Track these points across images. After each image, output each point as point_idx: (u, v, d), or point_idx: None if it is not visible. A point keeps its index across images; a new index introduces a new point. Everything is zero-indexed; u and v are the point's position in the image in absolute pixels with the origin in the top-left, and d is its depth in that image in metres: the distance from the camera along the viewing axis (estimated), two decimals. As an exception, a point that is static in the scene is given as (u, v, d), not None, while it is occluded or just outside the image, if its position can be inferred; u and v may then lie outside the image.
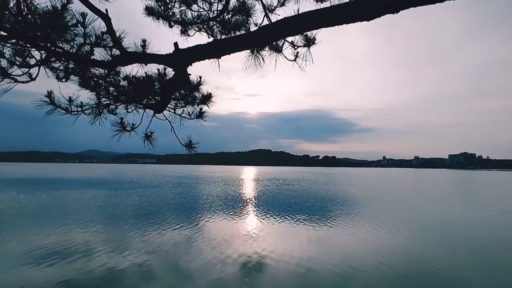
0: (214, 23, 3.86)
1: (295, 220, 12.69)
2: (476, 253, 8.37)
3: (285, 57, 3.72)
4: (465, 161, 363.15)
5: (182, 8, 3.72)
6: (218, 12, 3.75)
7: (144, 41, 3.33)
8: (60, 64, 3.06)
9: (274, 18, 3.70)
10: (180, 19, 3.77)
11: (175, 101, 3.83)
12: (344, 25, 2.54)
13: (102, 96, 3.37)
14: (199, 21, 3.80)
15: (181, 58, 2.91)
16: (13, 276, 6.27)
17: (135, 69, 3.33)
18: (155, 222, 11.69)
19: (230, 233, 10.27)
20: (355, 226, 11.67)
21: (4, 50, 2.61)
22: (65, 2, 2.42)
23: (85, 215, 12.99)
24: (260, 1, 3.74)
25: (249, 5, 3.74)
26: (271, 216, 13.60)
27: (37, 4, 2.38)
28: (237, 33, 3.84)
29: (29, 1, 2.33)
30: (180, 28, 3.86)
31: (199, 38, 3.93)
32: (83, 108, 3.26)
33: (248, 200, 19.14)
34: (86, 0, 2.55)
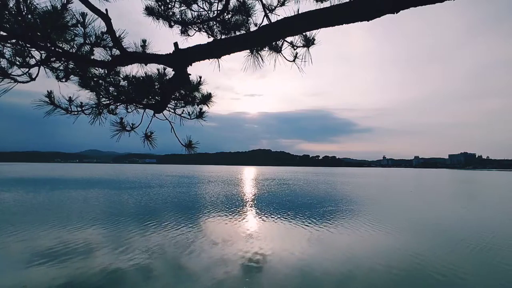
0: (214, 23, 3.86)
1: (295, 220, 12.70)
2: (476, 253, 8.37)
3: (285, 57, 3.73)
4: (465, 161, 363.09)
5: (182, 8, 3.73)
6: (218, 12, 3.75)
7: (144, 41, 3.34)
8: (60, 64, 3.06)
9: (274, 18, 3.70)
10: (180, 19, 3.78)
11: (175, 101, 3.84)
12: (344, 25, 2.54)
13: (102, 96, 3.38)
14: (199, 21, 3.80)
15: (181, 58, 2.91)
16: (14, 275, 6.27)
17: (135, 69, 3.34)
18: (155, 222, 11.69)
19: (230, 233, 10.28)
20: (355, 226, 11.67)
21: (4, 50, 2.61)
22: (65, 2, 2.42)
23: (85, 214, 13.00)
24: (260, 1, 3.74)
25: (249, 5, 3.74)
26: (271, 216, 13.61)
27: (37, 4, 2.38)
28: (237, 33, 3.84)
29: (29, 1, 2.33)
30: (180, 28, 3.86)
31: (199, 38, 3.94)
32: (83, 108, 3.26)
33: (248, 200, 19.15)
34: (86, 0, 2.55)
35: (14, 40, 2.57)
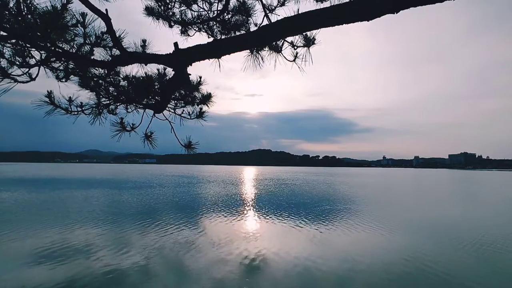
0: (214, 23, 3.86)
1: (294, 220, 12.70)
2: (476, 253, 8.37)
3: (285, 57, 3.73)
4: (465, 161, 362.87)
5: (182, 8, 3.72)
6: (218, 12, 3.74)
7: (144, 41, 3.34)
8: (60, 64, 3.06)
9: (274, 18, 3.70)
10: (180, 19, 3.77)
11: (175, 101, 3.84)
12: (344, 25, 2.54)
13: (102, 96, 3.38)
14: (199, 21, 3.80)
15: (181, 58, 2.91)
16: (14, 275, 6.27)
17: (135, 69, 3.34)
18: (155, 222, 11.69)
19: (230, 233, 10.28)
20: (355, 225, 11.67)
21: (4, 50, 2.61)
22: (65, 2, 2.42)
23: (85, 214, 13.00)
24: (260, 1, 3.74)
25: (249, 5, 3.73)
26: (271, 216, 13.61)
27: (37, 4, 2.38)
28: (237, 33, 3.84)
29: (29, 1, 2.33)
30: (180, 28, 3.86)
31: (199, 38, 3.93)
32: (83, 108, 3.26)
33: (247, 200, 19.15)
34: (86, 0, 2.55)
35: (14, 40, 2.57)
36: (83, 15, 2.72)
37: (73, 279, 6.12)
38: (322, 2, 3.42)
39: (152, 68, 3.37)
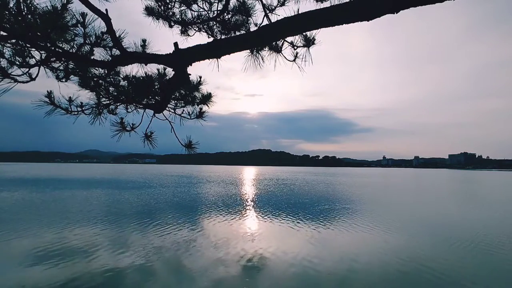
0: (214, 23, 3.86)
1: (294, 220, 12.70)
2: (475, 253, 8.37)
3: (285, 57, 3.73)
4: (465, 161, 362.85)
5: (182, 8, 3.72)
6: (218, 12, 3.74)
7: (144, 41, 3.34)
8: (60, 64, 3.06)
9: (274, 18, 3.70)
10: (180, 19, 3.77)
11: (175, 101, 3.84)
12: (344, 25, 2.55)
13: (102, 96, 3.38)
14: (199, 21, 3.80)
15: (181, 58, 2.91)
16: (14, 275, 6.27)
17: (135, 69, 3.34)
18: (156, 222, 11.69)
19: (230, 233, 10.28)
20: (355, 225, 11.66)
21: (4, 50, 2.61)
22: (65, 2, 2.42)
23: (85, 214, 13.00)
24: (260, 1, 3.74)
25: (249, 5, 3.73)
26: (271, 216, 13.61)
27: (37, 4, 2.38)
28: (237, 33, 3.84)
29: (29, 1, 2.33)
30: (180, 28, 3.85)
31: (199, 38, 3.93)
32: (83, 108, 3.26)
33: (247, 201, 19.15)
34: (86, 0, 2.54)
35: (14, 40, 2.57)
36: (83, 15, 2.71)
37: (73, 279, 6.12)
38: (322, 2, 3.42)
39: (152, 68, 3.37)
